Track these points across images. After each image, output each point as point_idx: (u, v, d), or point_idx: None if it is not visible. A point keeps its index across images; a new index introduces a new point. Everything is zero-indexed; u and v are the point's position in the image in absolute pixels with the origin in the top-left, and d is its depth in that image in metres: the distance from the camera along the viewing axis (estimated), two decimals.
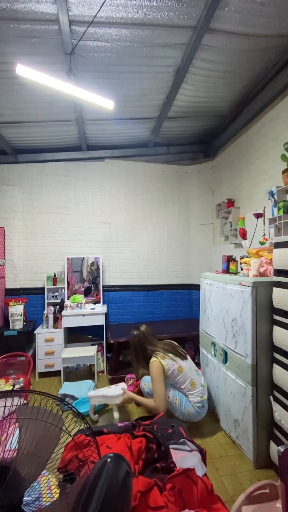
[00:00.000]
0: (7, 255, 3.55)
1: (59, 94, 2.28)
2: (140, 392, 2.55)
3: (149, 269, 3.97)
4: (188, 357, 2.30)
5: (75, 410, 1.01)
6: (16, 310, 3.21)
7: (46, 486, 1.34)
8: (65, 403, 0.98)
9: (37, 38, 1.96)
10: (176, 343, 2.36)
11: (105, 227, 3.87)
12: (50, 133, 3.36)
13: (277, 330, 1.70)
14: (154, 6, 1.77)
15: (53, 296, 3.61)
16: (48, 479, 1.38)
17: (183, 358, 2.22)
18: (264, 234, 2.54)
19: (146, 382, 2.35)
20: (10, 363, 2.82)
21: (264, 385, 1.77)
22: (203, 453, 1.47)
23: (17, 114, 2.89)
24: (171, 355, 2.17)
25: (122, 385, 2.36)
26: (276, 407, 1.69)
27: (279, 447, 1.07)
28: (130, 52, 2.13)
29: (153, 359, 2.14)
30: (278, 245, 1.69)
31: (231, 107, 3.06)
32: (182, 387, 2.12)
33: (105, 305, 3.67)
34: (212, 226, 3.87)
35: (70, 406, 1.01)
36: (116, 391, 2.26)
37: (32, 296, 3.65)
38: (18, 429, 0.85)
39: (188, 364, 2.21)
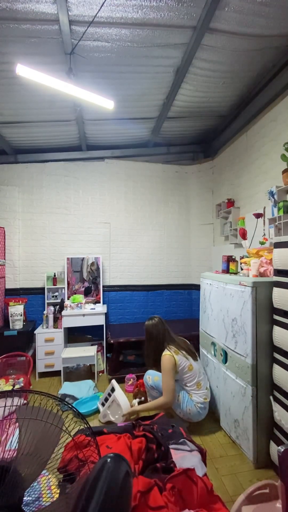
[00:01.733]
0: (7, 255, 3.55)
1: (59, 94, 2.29)
2: (140, 392, 2.55)
3: (149, 269, 3.97)
4: (199, 359, 2.32)
5: (75, 410, 1.01)
6: (16, 310, 3.21)
7: (46, 486, 1.34)
8: (65, 403, 0.98)
9: (37, 38, 1.96)
10: (189, 342, 2.39)
11: (105, 227, 3.87)
12: (50, 133, 3.36)
13: (277, 330, 1.69)
14: (154, 6, 1.77)
15: (53, 296, 3.61)
16: (48, 479, 1.38)
17: (195, 358, 2.25)
18: (264, 234, 2.54)
19: (150, 375, 2.35)
20: (10, 363, 2.82)
21: (264, 385, 1.77)
22: (203, 453, 1.47)
23: (17, 114, 2.89)
24: (184, 352, 2.19)
25: (125, 402, 2.28)
26: (276, 407, 1.69)
27: (279, 447, 1.07)
28: (130, 52, 2.13)
29: (166, 352, 2.15)
30: (278, 245, 1.69)
31: (231, 107, 3.06)
32: (188, 385, 2.14)
33: (105, 305, 3.67)
34: (212, 226, 3.87)
35: (70, 406, 1.01)
36: (124, 403, 2.26)
37: (32, 296, 3.65)
38: (18, 429, 0.85)
39: (198, 365, 2.23)
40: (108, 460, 0.80)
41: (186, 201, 4.09)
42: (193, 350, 2.31)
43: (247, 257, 2.27)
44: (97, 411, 2.46)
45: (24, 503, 0.81)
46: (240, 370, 1.89)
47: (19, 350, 2.91)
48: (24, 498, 0.82)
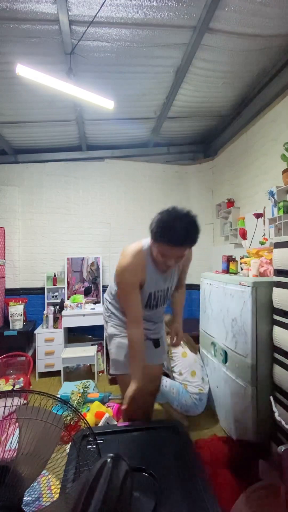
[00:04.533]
0: (7, 255, 3.55)
1: (59, 94, 2.28)
2: None
3: None
4: (198, 353, 2.45)
5: (75, 410, 1.01)
6: (16, 310, 3.21)
7: (46, 486, 1.34)
8: (65, 403, 0.98)
9: (37, 38, 1.96)
10: (190, 338, 2.55)
11: (105, 227, 3.87)
12: (50, 133, 3.36)
13: (277, 330, 1.69)
14: (154, 6, 1.77)
15: (53, 296, 3.61)
16: (48, 479, 1.38)
17: (193, 351, 2.38)
18: (264, 234, 2.54)
19: None
20: (10, 363, 2.82)
21: (264, 385, 1.77)
22: None
23: (17, 114, 2.89)
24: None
25: None
26: (276, 408, 1.68)
27: (279, 447, 1.07)
28: (130, 52, 2.13)
29: None
30: (278, 245, 1.69)
31: (231, 107, 3.06)
32: (183, 372, 2.22)
33: None
34: (212, 226, 3.87)
35: (70, 406, 1.01)
36: None
37: (32, 296, 3.65)
38: (18, 429, 0.85)
39: (194, 356, 2.34)
40: (108, 460, 0.80)
41: (186, 201, 4.09)
42: (193, 344, 2.45)
43: (247, 257, 2.27)
44: None
45: (24, 503, 0.81)
46: (240, 370, 1.89)
47: (19, 350, 2.91)
48: (24, 498, 0.82)
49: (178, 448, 1.00)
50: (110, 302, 1.65)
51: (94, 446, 0.98)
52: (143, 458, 1.08)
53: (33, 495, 0.91)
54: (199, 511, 0.85)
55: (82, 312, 3.28)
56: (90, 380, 2.90)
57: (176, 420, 1.86)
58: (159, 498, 0.89)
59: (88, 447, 1.11)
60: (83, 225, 3.82)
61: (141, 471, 1.00)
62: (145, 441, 1.20)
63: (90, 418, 2.07)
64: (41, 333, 3.21)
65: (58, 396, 2.49)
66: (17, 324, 3.18)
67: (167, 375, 2.29)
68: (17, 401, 0.90)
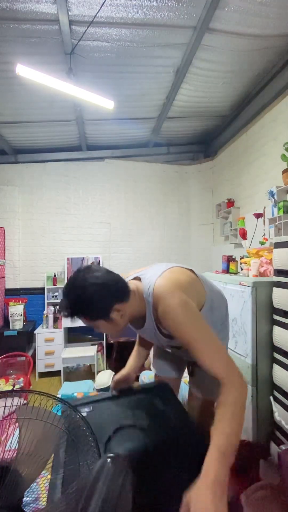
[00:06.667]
0: (7, 255, 3.55)
1: (59, 94, 2.28)
2: None
3: None
4: None
5: (76, 409, 1.01)
6: (16, 310, 3.21)
7: (45, 487, 1.34)
8: (65, 403, 0.98)
9: (37, 38, 1.96)
10: None
11: (105, 227, 3.87)
12: (50, 133, 3.36)
13: (277, 330, 1.69)
14: (154, 6, 1.77)
15: (53, 296, 3.61)
16: (48, 479, 1.38)
17: None
18: (264, 234, 2.54)
19: (145, 375, 2.36)
20: (10, 363, 2.82)
21: (264, 385, 1.77)
22: None
23: (17, 114, 2.89)
24: None
25: None
26: (276, 407, 1.69)
27: (279, 447, 1.07)
28: (130, 52, 2.13)
29: None
30: (278, 245, 1.69)
31: (231, 107, 3.06)
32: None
33: None
34: (212, 226, 3.87)
35: (70, 405, 1.01)
36: None
37: (32, 296, 3.65)
38: (18, 429, 0.85)
39: None
40: (108, 461, 0.80)
41: (186, 201, 4.09)
42: None
43: (247, 257, 2.27)
44: None
45: (24, 503, 0.81)
46: (240, 370, 1.89)
47: (19, 350, 2.91)
48: (24, 498, 0.82)
49: (166, 405, 1.05)
50: None
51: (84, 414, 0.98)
52: (134, 417, 1.11)
53: (31, 496, 0.91)
54: (190, 455, 0.87)
55: None
56: (90, 380, 2.90)
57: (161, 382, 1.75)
58: (151, 450, 0.91)
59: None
60: (83, 225, 3.82)
61: (132, 427, 1.02)
62: (134, 403, 1.25)
63: None
64: (41, 333, 3.21)
65: (58, 396, 2.49)
66: (17, 324, 3.18)
67: None
68: (17, 401, 0.90)
